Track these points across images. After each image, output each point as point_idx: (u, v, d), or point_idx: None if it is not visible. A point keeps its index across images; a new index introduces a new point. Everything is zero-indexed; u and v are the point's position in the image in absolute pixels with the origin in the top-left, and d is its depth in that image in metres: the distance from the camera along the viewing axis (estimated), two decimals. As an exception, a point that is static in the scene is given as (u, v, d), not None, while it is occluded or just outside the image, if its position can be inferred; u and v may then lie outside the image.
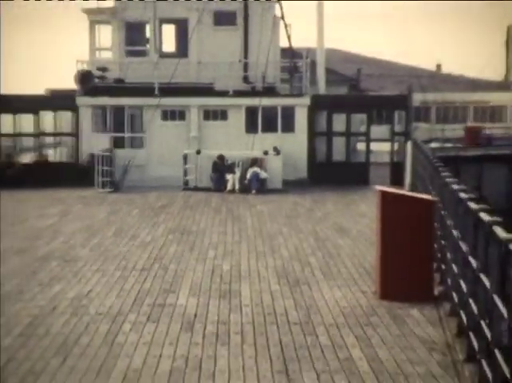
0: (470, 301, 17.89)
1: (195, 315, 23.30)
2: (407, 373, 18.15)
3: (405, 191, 32.88)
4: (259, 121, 58.14)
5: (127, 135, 58.43)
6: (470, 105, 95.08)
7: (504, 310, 13.03)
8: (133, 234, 37.23)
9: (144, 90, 58.38)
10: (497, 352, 13.80)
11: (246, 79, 60.50)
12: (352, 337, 20.97)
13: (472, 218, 17.95)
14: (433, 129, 79.62)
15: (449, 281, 22.72)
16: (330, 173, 56.11)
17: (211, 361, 19.09)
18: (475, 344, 17.08)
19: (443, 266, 24.51)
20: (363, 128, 60.52)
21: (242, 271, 29.15)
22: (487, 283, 15.20)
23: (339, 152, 59.36)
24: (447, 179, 25.94)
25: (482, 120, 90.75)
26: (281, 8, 61.53)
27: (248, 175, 53.92)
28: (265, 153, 55.75)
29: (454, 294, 21.10)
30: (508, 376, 12.78)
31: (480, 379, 16.14)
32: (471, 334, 17.78)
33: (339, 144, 59.60)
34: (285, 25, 62.31)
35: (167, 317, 23.09)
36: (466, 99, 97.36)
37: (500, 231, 13.69)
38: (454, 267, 21.14)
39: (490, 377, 14.66)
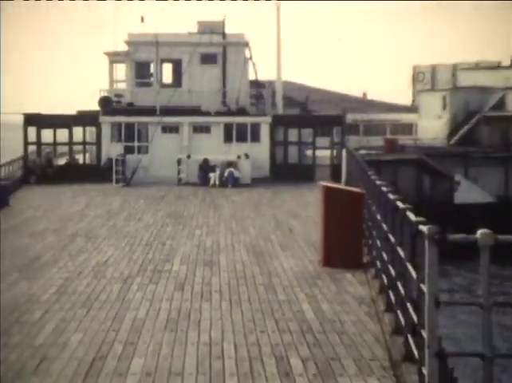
0: (389, 267, 17.91)
1: (185, 278, 23.38)
2: (342, 320, 18.25)
3: (341, 186, 32.93)
4: (234, 134, 58.72)
5: (135, 144, 58.64)
6: (387, 123, 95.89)
7: (413, 274, 13.04)
8: (139, 218, 37.40)
9: (149, 111, 58.91)
10: (408, 304, 13.81)
11: (224, 103, 61.11)
12: (302, 294, 21.03)
13: (391, 205, 18.00)
14: (361, 140, 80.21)
15: (374, 252, 22.76)
16: (286, 172, 56.58)
17: (197, 312, 19.20)
18: (393, 298, 17.09)
19: (370, 241, 24.49)
20: (310, 139, 60.80)
21: (221, 245, 29.30)
22: (402, 254, 15.22)
23: (293, 157, 59.92)
24: (372, 177, 26.10)
25: (396, 133, 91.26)
26: (250, 51, 62.78)
27: (225, 174, 54.36)
28: (238, 157, 56.28)
29: (378, 262, 21.14)
30: (416, 322, 12.79)
31: (396, 324, 16.17)
32: (390, 291, 17.79)
33: (292, 150, 60.23)
34: (253, 64, 63.66)
35: (165, 280, 23.18)
36: (384, 118, 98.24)
37: (411, 215, 13.72)
38: (378, 242, 21.19)
39: (403, 323, 14.67)
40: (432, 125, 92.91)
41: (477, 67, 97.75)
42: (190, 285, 22.48)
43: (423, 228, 11.79)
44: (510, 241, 11.26)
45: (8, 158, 57.74)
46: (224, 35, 62.23)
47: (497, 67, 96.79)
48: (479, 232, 11.31)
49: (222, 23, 62.81)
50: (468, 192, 79.13)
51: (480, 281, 11.50)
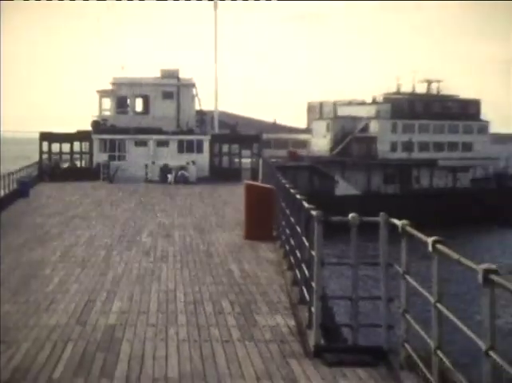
0: (290, 239, 17.95)
1: (150, 247, 23.26)
2: (258, 275, 18.26)
3: (258, 183, 32.95)
4: (184, 147, 58.60)
5: (116, 153, 58.40)
6: (290, 140, 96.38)
7: (307, 244, 13.07)
8: (118, 205, 37.18)
9: (126, 131, 58.63)
10: (303, 265, 13.85)
11: (178, 125, 60.85)
12: (231, 258, 21.02)
13: (291, 197, 18.05)
14: (272, 152, 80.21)
15: (280, 229, 22.73)
16: (221, 174, 56.42)
17: (159, 270, 19.14)
18: (292, 261, 17.14)
19: (278, 222, 24.49)
20: (237, 151, 60.86)
21: (175, 224, 29.18)
22: (299, 230, 15.26)
23: (225, 163, 60.01)
24: (279, 177, 26.16)
25: (296, 147, 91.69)
26: (196, 89, 62.81)
27: (178, 174, 54.21)
28: (187, 163, 56.15)
29: (283, 236, 21.15)
30: (308, 276, 12.84)
31: (294, 278, 16.21)
32: (290, 256, 17.83)
33: (225, 159, 60.35)
34: (198, 99, 64.00)
35: (136, 248, 23.06)
36: (287, 137, 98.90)
37: (305, 204, 13.75)
38: (283, 222, 21.18)
39: (299, 277, 14.72)
40: (320, 142, 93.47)
41: (350, 103, 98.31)
42: (153, 251, 22.41)
43: (313, 213, 11.88)
44: (370, 221, 11.37)
45: (25, 163, 57.86)
46: (178, 79, 62.28)
47: (363, 103, 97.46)
48: (350, 215, 11.45)
49: (177, 71, 62.99)
50: (344, 188, 79.99)
51: (350, 248, 11.60)
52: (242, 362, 11.05)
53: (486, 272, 6.41)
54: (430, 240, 8.46)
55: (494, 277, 6.32)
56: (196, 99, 64.05)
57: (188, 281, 17.74)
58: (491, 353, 6.44)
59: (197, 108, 64.82)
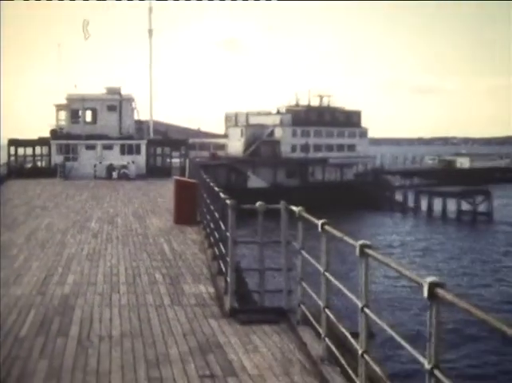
0: (211, 223, 17.92)
1: (98, 231, 22.92)
2: (185, 253, 18.16)
3: (185, 179, 32.79)
4: (126, 150, 58.01)
5: (71, 155, 57.45)
6: (211, 143, 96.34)
7: (223, 226, 13.08)
8: (72, 197, 36.44)
9: (78, 137, 57.76)
10: (220, 244, 13.85)
11: (120, 132, 60.13)
12: (163, 239, 20.84)
13: (211, 189, 18.00)
14: (197, 153, 79.95)
15: (203, 215, 22.68)
16: (155, 171, 55.97)
17: (104, 250, 18.88)
18: (212, 240, 17.12)
19: (201, 209, 24.44)
20: (168, 152, 60.50)
21: (118, 212, 28.80)
22: (217, 215, 15.26)
23: (159, 162, 59.64)
24: (202, 174, 26.06)
25: (216, 149, 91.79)
26: (135, 103, 62.21)
27: (121, 172, 53.65)
28: (128, 163, 55.53)
29: (205, 221, 21.10)
30: (224, 253, 12.86)
31: (214, 254, 16.22)
32: (211, 237, 17.81)
33: (159, 159, 60.01)
34: (137, 111, 63.23)
35: (86, 231, 22.68)
36: (209, 141, 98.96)
37: (222, 195, 13.74)
38: (205, 209, 21.14)
39: (218, 253, 14.73)
40: (235, 145, 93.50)
41: (259, 114, 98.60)
42: (100, 234, 22.04)
43: (228, 201, 11.88)
44: (273, 208, 11.44)
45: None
46: (120, 95, 61.55)
47: (269, 114, 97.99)
48: (257, 203, 11.46)
49: (119, 88, 62.26)
50: (255, 181, 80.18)
51: (258, 230, 11.65)
52: (171, 322, 11.04)
53: (362, 247, 6.52)
54: (319, 222, 8.56)
55: (367, 250, 6.44)
56: (135, 111, 63.56)
57: (128, 258, 17.58)
58: (365, 309, 6.56)
59: (135, 118, 64.34)
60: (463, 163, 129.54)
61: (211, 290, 13.54)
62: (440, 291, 4.61)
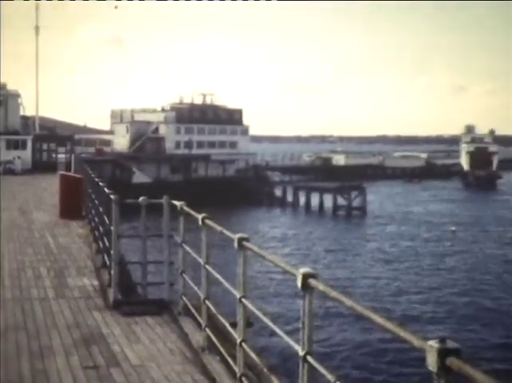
0: (96, 218, 17.65)
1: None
2: (70, 247, 17.82)
3: (71, 173, 32.15)
4: (11, 145, 56.59)
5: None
6: (97, 139, 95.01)
7: (107, 221, 12.91)
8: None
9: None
10: (104, 237, 13.67)
11: (6, 127, 58.52)
12: (48, 233, 20.37)
13: (96, 184, 17.72)
14: (83, 149, 78.32)
15: (88, 210, 22.31)
16: (41, 166, 54.71)
17: (-12, 244, 18.26)
18: (97, 234, 16.89)
19: (86, 204, 24.02)
20: (54, 148, 59.10)
21: (2, 207, 27.61)
22: (102, 210, 15.04)
23: (45, 157, 58.37)
24: (87, 169, 25.61)
25: (102, 145, 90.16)
26: (21, 99, 60.64)
27: (6, 167, 52.17)
28: (14, 158, 54.02)
29: (90, 215, 20.76)
30: (108, 246, 12.70)
31: (98, 248, 16.00)
32: (95, 231, 17.56)
33: (45, 154, 58.78)
34: (23, 107, 61.62)
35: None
36: (95, 137, 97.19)
37: (106, 189, 13.56)
38: (90, 204, 20.80)
39: (102, 247, 14.55)
40: (121, 141, 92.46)
41: (144, 111, 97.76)
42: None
43: (112, 196, 11.73)
44: (156, 202, 11.39)
45: None
46: (6, 90, 59.99)
47: (154, 111, 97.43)
48: (140, 198, 11.39)
49: (5, 84, 60.75)
50: (139, 177, 79.55)
51: (141, 224, 11.58)
52: (55, 315, 10.82)
53: (240, 240, 6.58)
54: (200, 216, 8.58)
55: (245, 243, 6.50)
56: (21, 106, 61.89)
57: (13, 252, 17.07)
58: (243, 299, 6.63)
59: (22, 113, 62.61)
60: (339, 160, 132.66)
61: (95, 282, 13.34)
62: (312, 281, 4.71)
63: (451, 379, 3.09)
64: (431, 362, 3.10)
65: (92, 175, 20.69)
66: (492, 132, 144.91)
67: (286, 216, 77.95)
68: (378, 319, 3.76)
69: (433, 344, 3.09)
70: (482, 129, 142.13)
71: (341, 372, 23.62)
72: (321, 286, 4.60)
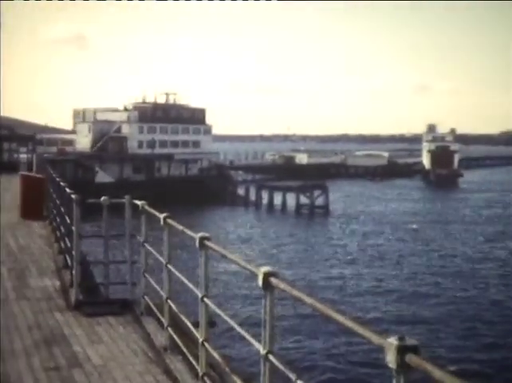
0: (57, 218, 17.48)
1: None
2: (32, 247, 17.59)
3: (32, 174, 31.74)
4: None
5: None
6: (59, 139, 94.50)
7: (68, 220, 12.78)
8: None
9: None
10: (66, 238, 13.54)
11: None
12: (9, 234, 20.02)
13: (58, 184, 17.55)
14: (45, 149, 77.40)
15: (50, 210, 22.08)
16: (2, 167, 53.63)
17: None
18: (59, 235, 16.72)
19: (48, 204, 23.76)
20: (15, 148, 58.42)
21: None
22: (63, 210, 14.89)
23: (6, 157, 57.44)
24: (49, 169, 25.35)
25: (64, 145, 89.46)
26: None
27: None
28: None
29: (52, 216, 20.54)
30: (70, 246, 12.57)
31: (60, 248, 15.82)
32: (57, 231, 17.39)
33: (5, 154, 57.85)
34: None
35: None
36: (57, 137, 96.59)
37: (67, 190, 13.43)
38: (52, 204, 20.59)
39: (64, 247, 14.41)
40: (83, 141, 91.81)
41: (106, 110, 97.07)
42: None
43: (73, 196, 11.64)
44: (118, 202, 11.33)
45: None
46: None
47: (117, 110, 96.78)
48: (102, 198, 11.32)
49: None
50: (102, 177, 79.07)
51: (103, 224, 11.49)
52: (17, 317, 10.67)
53: (201, 239, 6.56)
54: (161, 216, 8.54)
55: (206, 242, 6.49)
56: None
57: None
58: (205, 299, 6.62)
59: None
60: (302, 159, 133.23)
61: (57, 283, 13.20)
62: (274, 280, 4.71)
63: (410, 376, 3.11)
64: (391, 359, 3.11)
65: (54, 175, 20.49)
66: (453, 130, 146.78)
67: (249, 215, 77.98)
68: (338, 317, 3.77)
69: (392, 341, 3.10)
70: (444, 128, 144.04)
71: (304, 370, 23.68)
72: (282, 285, 4.61)
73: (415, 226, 65.52)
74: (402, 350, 3.09)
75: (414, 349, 3.09)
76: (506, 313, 33.67)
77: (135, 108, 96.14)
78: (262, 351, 4.91)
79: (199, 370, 6.92)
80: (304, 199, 79.76)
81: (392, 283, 40.31)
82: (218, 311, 6.29)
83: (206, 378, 6.81)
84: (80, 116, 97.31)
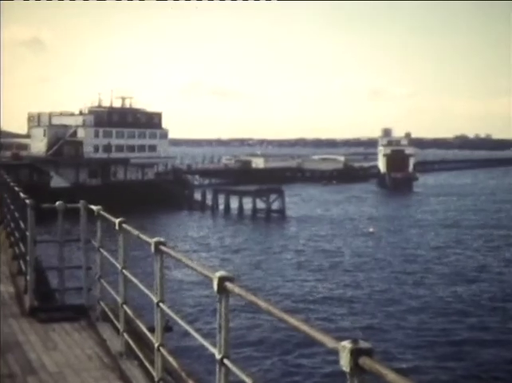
0: (11, 223, 17.21)
1: None
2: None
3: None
4: None
5: None
6: (14, 143, 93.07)
7: (23, 226, 12.61)
8: None
9: None
10: (20, 243, 13.35)
11: None
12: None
13: (11, 189, 17.29)
14: (2, 154, 76.58)
15: (4, 215, 21.71)
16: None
17: None
18: (13, 240, 16.46)
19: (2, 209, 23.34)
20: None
21: None
22: (17, 215, 14.68)
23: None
24: (3, 174, 24.91)
25: (19, 149, 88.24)
26: None
27: None
28: None
29: (6, 221, 20.19)
30: (24, 251, 12.39)
31: (14, 254, 15.58)
32: (11, 237, 17.10)
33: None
34: None
35: None
36: (11, 141, 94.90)
37: (22, 194, 13.24)
38: (6, 209, 20.24)
39: (18, 252, 14.20)
40: (38, 145, 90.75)
41: (62, 114, 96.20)
42: None
43: (27, 201, 11.51)
44: (73, 207, 11.23)
45: None
46: None
47: (72, 114, 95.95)
48: (57, 203, 11.22)
49: None
50: (58, 181, 78.34)
51: (58, 229, 11.39)
52: (-31, 324, 10.49)
53: (157, 243, 6.54)
54: (117, 221, 8.48)
55: (161, 247, 6.47)
56: None
57: None
58: (161, 304, 6.60)
59: None
60: (258, 163, 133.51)
61: (11, 289, 12.99)
62: (229, 285, 4.71)
63: (364, 378, 3.11)
64: (345, 362, 3.11)
65: (8, 180, 20.17)
66: (408, 134, 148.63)
67: (206, 220, 77.85)
68: (293, 321, 3.79)
69: (346, 344, 3.11)
70: (399, 132, 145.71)
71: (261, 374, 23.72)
72: (237, 289, 4.61)
73: (371, 229, 66.14)
74: (356, 353, 3.08)
75: (368, 352, 3.09)
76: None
77: (91, 112, 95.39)
78: (218, 355, 4.91)
79: (155, 375, 6.89)
80: (260, 204, 79.92)
81: (351, 283, 40.64)
82: (174, 316, 6.28)
83: (162, 383, 6.78)
84: (35, 120, 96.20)
